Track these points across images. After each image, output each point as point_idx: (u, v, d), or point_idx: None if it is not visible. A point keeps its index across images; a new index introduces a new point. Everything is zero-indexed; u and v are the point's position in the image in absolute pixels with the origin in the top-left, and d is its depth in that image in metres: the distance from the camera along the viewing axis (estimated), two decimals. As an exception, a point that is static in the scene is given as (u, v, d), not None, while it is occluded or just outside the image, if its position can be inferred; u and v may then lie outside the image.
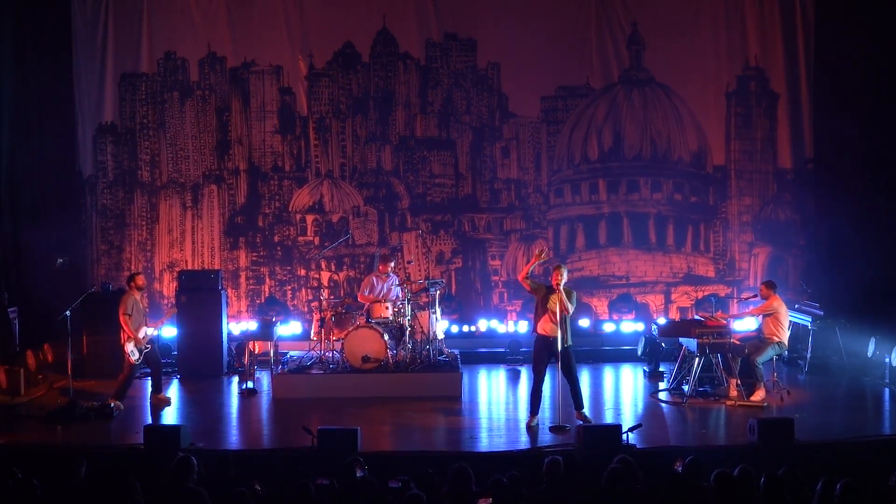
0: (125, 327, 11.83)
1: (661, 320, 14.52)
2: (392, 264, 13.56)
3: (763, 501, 7.16)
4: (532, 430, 10.76)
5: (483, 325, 15.66)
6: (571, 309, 10.72)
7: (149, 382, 12.45)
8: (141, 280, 12.29)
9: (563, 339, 10.62)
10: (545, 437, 10.48)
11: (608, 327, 15.61)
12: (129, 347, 11.82)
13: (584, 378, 13.60)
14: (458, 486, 7.47)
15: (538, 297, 10.89)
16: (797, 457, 8.91)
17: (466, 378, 12.96)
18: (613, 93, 15.76)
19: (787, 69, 15.57)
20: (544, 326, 10.80)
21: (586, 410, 11.07)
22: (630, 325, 15.54)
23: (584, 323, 15.40)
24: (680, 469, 7.86)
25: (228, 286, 15.37)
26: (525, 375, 13.75)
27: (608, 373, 14.21)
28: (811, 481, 7.34)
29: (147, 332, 11.98)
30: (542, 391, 10.97)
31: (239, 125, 15.72)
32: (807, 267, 15.66)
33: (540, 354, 10.94)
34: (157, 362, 12.27)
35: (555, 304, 10.62)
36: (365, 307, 13.17)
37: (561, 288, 10.57)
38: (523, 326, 15.32)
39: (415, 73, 15.74)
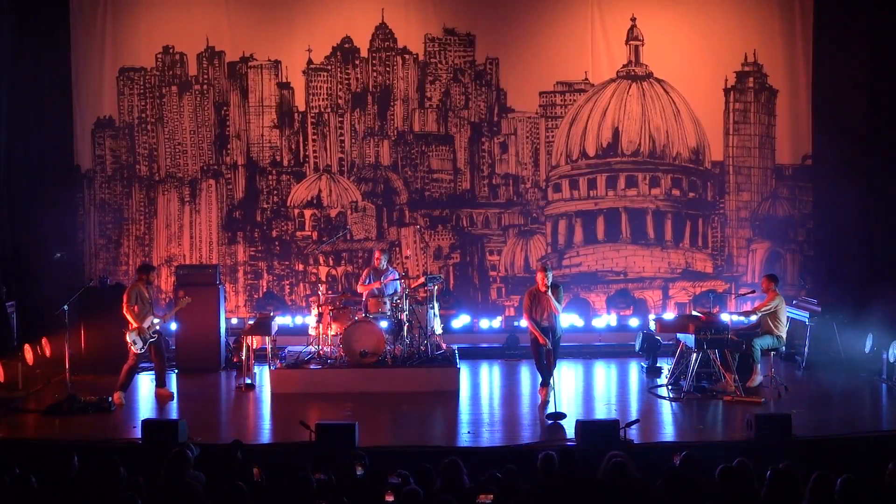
0: (129, 318, 11.90)
1: (659, 316, 14.57)
2: (382, 256, 13.59)
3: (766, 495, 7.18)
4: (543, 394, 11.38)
5: (481, 320, 15.65)
6: (561, 308, 11.51)
7: (150, 376, 12.48)
8: (153, 276, 12.57)
9: (554, 330, 11.42)
10: (543, 432, 10.50)
11: (606, 323, 15.62)
12: (132, 337, 11.88)
13: (582, 374, 13.72)
14: (449, 480, 7.47)
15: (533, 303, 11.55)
16: (795, 452, 8.92)
17: (464, 373, 12.98)
18: (612, 88, 15.76)
19: (786, 65, 15.57)
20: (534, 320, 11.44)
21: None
22: (628, 321, 15.55)
23: (581, 320, 15.41)
24: (678, 463, 7.88)
25: (226, 281, 15.37)
26: (523, 371, 13.78)
27: (605, 368, 14.22)
28: (809, 477, 7.34)
29: (154, 322, 12.05)
30: (545, 362, 11.52)
31: (237, 120, 15.71)
32: (805, 263, 15.68)
33: (537, 346, 11.55)
34: (162, 355, 12.28)
35: (546, 303, 11.33)
36: (363, 302, 13.19)
37: (549, 292, 10.98)
38: (521, 322, 15.31)
39: (413, 68, 15.73)
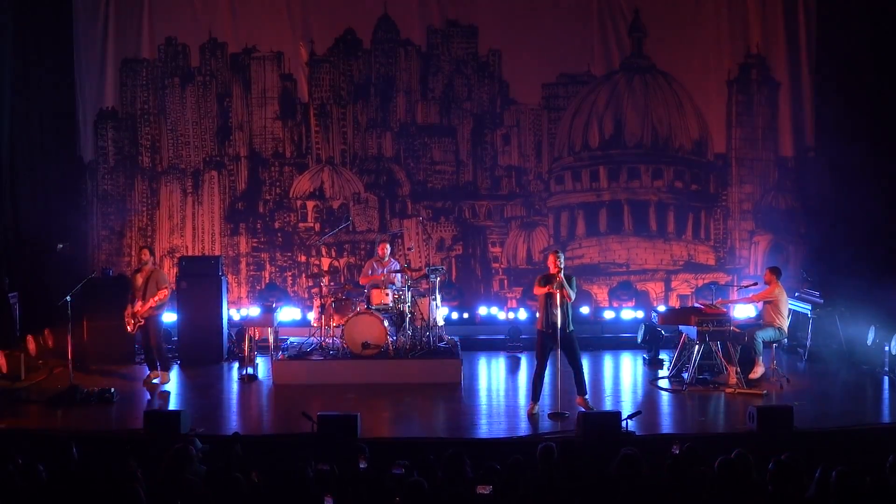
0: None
1: (662, 308, 14.58)
2: (386, 248, 13.62)
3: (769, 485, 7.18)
4: (533, 417, 10.79)
5: (483, 311, 15.66)
6: (573, 295, 10.78)
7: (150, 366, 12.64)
8: (140, 255, 12.70)
9: (564, 324, 10.68)
10: (545, 424, 10.51)
11: (608, 315, 15.63)
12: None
13: (584, 365, 13.67)
14: (452, 472, 7.48)
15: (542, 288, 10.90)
16: (796, 445, 8.92)
17: (466, 365, 12.99)
18: (615, 80, 15.73)
19: (789, 57, 15.53)
20: (547, 313, 10.77)
21: (588, 397, 11.08)
22: (630, 313, 15.55)
23: (584, 310, 15.41)
24: (677, 451, 7.88)
25: (229, 272, 15.38)
26: (524, 363, 13.79)
27: (608, 360, 14.23)
28: (810, 469, 7.35)
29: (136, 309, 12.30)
30: (543, 378, 10.96)
31: (240, 111, 15.70)
32: (807, 255, 15.65)
33: (543, 341, 10.88)
34: (147, 344, 12.47)
35: (556, 290, 10.66)
36: (365, 293, 13.19)
37: (561, 275, 10.60)
38: (523, 313, 15.35)
39: (416, 60, 15.70)
